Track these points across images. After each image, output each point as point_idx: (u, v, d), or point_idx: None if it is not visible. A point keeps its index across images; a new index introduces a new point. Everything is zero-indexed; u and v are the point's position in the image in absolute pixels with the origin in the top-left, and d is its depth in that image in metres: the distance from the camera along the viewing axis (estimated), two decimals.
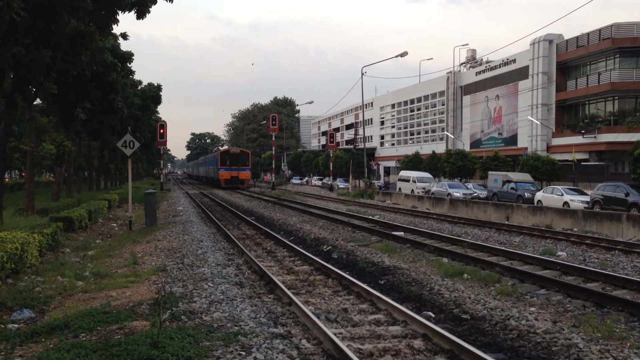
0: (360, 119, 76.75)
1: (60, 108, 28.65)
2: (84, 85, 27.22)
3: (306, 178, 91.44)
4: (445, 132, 74.13)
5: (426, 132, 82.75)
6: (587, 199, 30.36)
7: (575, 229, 23.37)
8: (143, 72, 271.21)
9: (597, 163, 48.25)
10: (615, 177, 42.15)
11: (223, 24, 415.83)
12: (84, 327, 7.73)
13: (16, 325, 8.51)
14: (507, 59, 64.72)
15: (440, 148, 68.92)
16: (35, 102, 25.74)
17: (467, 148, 65.23)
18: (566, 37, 56.84)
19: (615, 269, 13.57)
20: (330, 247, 16.49)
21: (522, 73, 61.14)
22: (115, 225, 24.38)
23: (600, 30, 51.68)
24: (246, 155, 63.50)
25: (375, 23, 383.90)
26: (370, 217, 25.88)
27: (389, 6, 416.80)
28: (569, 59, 55.91)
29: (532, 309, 9.36)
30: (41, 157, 29.00)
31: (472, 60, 78.45)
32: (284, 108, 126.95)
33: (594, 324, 8.33)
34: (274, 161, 69.55)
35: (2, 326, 8.41)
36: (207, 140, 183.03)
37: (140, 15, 18.38)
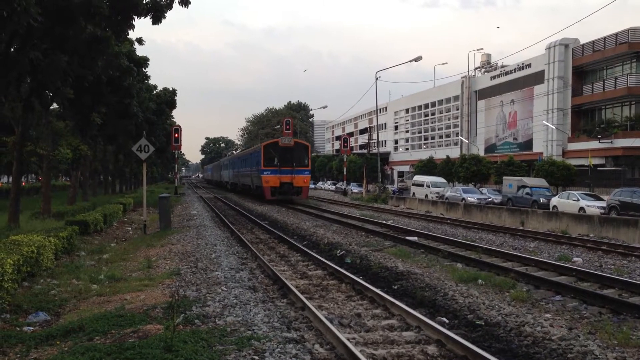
0: (374, 123, 77.20)
1: (76, 112, 28.91)
2: (99, 90, 27.45)
3: (320, 183, 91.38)
4: (460, 137, 73.86)
5: (440, 136, 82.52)
6: (603, 204, 30.05)
7: (591, 235, 23.14)
8: (158, 76, 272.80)
9: (613, 168, 47.81)
10: (631, 183, 41.73)
11: (237, 29, 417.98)
12: (98, 330, 7.77)
13: (32, 328, 8.58)
14: (523, 64, 64.40)
15: (454, 153, 68.70)
16: (51, 107, 26.00)
17: (481, 153, 64.92)
18: (582, 42, 56.45)
19: (632, 276, 13.41)
20: (343, 251, 16.46)
21: (538, 77, 60.79)
22: (130, 229, 24.52)
23: (616, 34, 51.28)
24: (304, 150, 40.59)
25: (389, 28, 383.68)
26: (384, 221, 25.80)
27: (403, 11, 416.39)
28: (585, 64, 55.50)
29: (548, 315, 9.28)
30: (57, 161, 29.34)
31: (487, 64, 78.17)
32: (298, 112, 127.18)
33: (610, 331, 8.23)
34: None
35: (18, 329, 8.48)
36: (222, 145, 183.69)
37: (156, 20, 18.50)
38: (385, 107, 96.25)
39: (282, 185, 38.42)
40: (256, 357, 6.85)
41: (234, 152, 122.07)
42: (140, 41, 27.23)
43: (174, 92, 54.46)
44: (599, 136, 50.45)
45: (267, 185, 38.29)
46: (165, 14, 18.61)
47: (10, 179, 41.61)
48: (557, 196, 34.50)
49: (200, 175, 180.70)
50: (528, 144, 62.67)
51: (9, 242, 11.75)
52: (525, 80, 63.47)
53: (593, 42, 54.22)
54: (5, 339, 7.74)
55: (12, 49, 16.84)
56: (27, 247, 11.52)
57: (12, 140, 25.78)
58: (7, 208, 20.77)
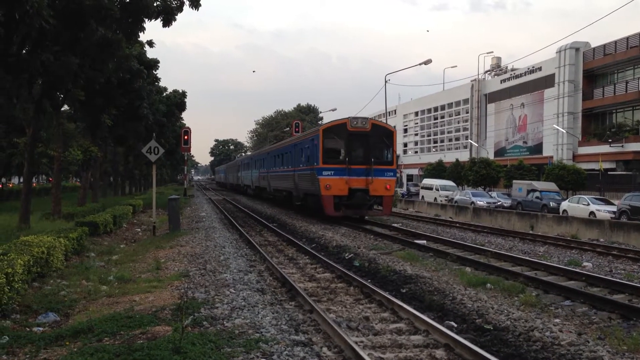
0: None
1: (87, 114, 29.11)
2: (110, 92, 27.63)
3: None
4: (469, 140, 73.66)
5: (450, 140, 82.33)
6: (614, 209, 29.88)
7: (601, 240, 23.01)
8: (168, 78, 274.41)
9: (624, 172, 47.53)
10: None
11: (246, 32, 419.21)
12: (107, 331, 7.81)
13: (41, 329, 8.63)
14: (533, 67, 64.15)
15: (464, 156, 68.51)
16: (62, 108, 26.17)
17: (491, 156, 64.72)
18: (593, 45, 56.19)
19: None
20: (352, 254, 16.45)
21: (548, 81, 60.55)
22: (140, 230, 24.62)
23: (627, 38, 51.02)
24: (387, 137, 26.11)
25: (399, 30, 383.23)
26: (393, 225, 25.76)
27: (413, 14, 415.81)
28: (596, 67, 55.24)
29: (557, 320, 9.23)
30: (68, 163, 29.56)
31: (497, 67, 77.95)
32: (307, 115, 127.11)
33: (620, 336, 8.18)
34: None
35: (28, 329, 8.53)
36: (231, 147, 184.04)
37: (167, 23, 18.64)
38: (395, 110, 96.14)
39: (353, 194, 24.56)
40: None
41: (243, 154, 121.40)
42: (150, 43, 27.45)
43: (183, 94, 54.64)
44: (610, 140, 50.17)
45: (328, 193, 24.41)
46: (176, 17, 18.75)
47: (22, 180, 41.91)
48: (567, 200, 34.34)
49: (212, 177, 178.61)
50: (538, 148, 62.40)
51: (20, 242, 11.83)
52: (536, 84, 63.22)
53: (604, 45, 53.95)
54: (15, 339, 7.79)
55: (24, 51, 16.99)
56: (38, 247, 11.59)
57: (23, 142, 26.04)
58: (18, 209, 20.91)
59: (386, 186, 25.02)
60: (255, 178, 48.04)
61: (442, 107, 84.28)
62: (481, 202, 40.32)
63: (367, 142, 25.03)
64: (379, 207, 25.95)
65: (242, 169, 60.40)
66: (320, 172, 24.54)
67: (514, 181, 45.03)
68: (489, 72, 79.04)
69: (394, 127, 32.76)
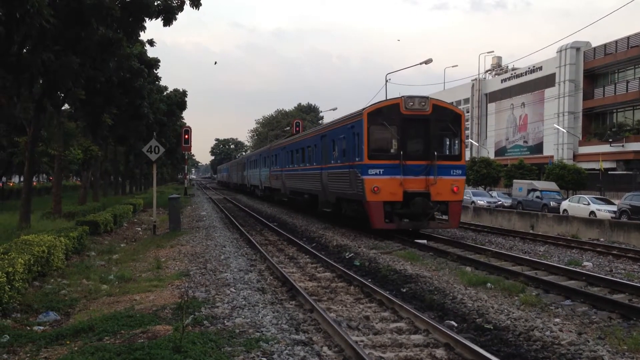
0: None
1: (87, 113, 29.13)
2: (111, 91, 27.65)
3: None
4: (470, 140, 73.64)
5: None
6: (614, 208, 29.86)
7: (601, 239, 23.00)
8: (168, 77, 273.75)
9: (624, 172, 47.55)
10: None
11: (247, 31, 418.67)
12: (108, 330, 7.82)
13: (42, 328, 8.64)
14: (534, 67, 64.16)
15: None
16: (63, 108, 26.19)
17: (491, 156, 64.72)
18: (593, 45, 56.20)
19: None
20: (352, 254, 16.46)
21: (549, 81, 60.56)
22: (140, 229, 24.63)
23: (628, 37, 51.03)
24: (453, 122, 19.77)
25: (399, 30, 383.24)
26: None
27: (413, 13, 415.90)
28: (597, 67, 55.24)
29: (557, 319, 9.23)
30: (68, 162, 29.52)
31: (498, 67, 77.96)
32: (308, 114, 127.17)
33: (620, 336, 8.18)
34: None
35: (29, 328, 8.55)
36: (231, 146, 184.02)
37: (167, 22, 18.65)
38: None
39: (409, 199, 18.76)
40: (264, 359, 6.88)
41: (244, 153, 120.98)
42: (151, 42, 27.45)
43: (184, 93, 54.65)
44: (610, 140, 50.17)
45: (377, 198, 18.62)
46: (176, 16, 18.75)
47: (22, 179, 41.95)
48: (568, 200, 34.33)
49: (213, 176, 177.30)
50: (539, 147, 62.41)
51: (20, 241, 11.85)
52: (536, 83, 63.23)
53: (605, 45, 53.95)
54: (16, 338, 7.80)
55: (24, 50, 17.00)
56: (38, 246, 11.61)
57: (24, 141, 26.03)
58: (19, 208, 20.92)
59: (453, 188, 19.22)
60: (265, 177, 42.23)
61: None
62: (481, 201, 40.28)
63: (428, 129, 19.26)
64: (442, 217, 20.78)
65: (248, 167, 54.55)
66: (365, 170, 18.74)
67: (514, 181, 45.02)
68: (489, 72, 79.05)
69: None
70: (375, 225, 18.75)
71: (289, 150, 32.24)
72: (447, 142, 20.09)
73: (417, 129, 19.35)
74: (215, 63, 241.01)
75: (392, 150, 19.38)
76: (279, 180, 35.39)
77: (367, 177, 18.68)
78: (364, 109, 19.78)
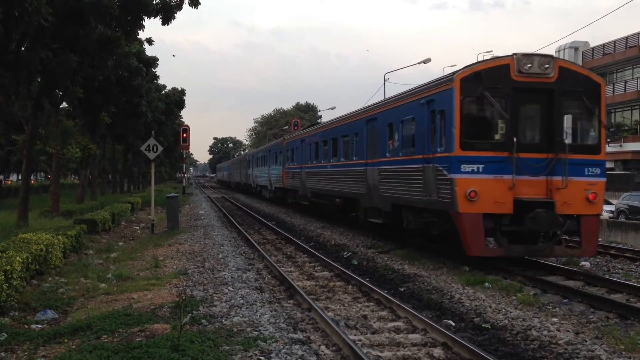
0: None
1: (86, 112, 29.08)
2: (109, 89, 27.61)
3: None
4: None
5: None
6: (612, 208, 29.88)
7: (599, 239, 23.04)
8: (166, 76, 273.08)
9: (622, 172, 47.58)
10: None
11: (245, 30, 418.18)
12: (105, 328, 7.83)
13: (39, 326, 8.65)
14: None
15: None
16: (61, 106, 26.15)
17: None
18: (592, 45, 56.25)
19: None
20: (350, 253, 16.47)
21: None
22: (138, 228, 24.62)
23: (627, 37, 51.08)
24: (591, 93, 13.24)
25: (398, 29, 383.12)
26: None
27: (411, 13, 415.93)
28: (595, 67, 55.14)
29: (554, 319, 9.25)
30: (66, 160, 29.49)
31: None
32: (306, 113, 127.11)
33: (618, 335, 8.20)
34: None
35: (26, 326, 8.55)
36: (230, 145, 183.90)
37: (166, 20, 18.63)
38: None
39: (523, 211, 12.55)
40: (262, 358, 6.89)
41: (242, 152, 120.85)
42: (149, 41, 27.43)
43: (182, 92, 54.58)
44: (608, 140, 50.17)
45: (474, 208, 12.51)
46: (175, 15, 18.74)
47: (20, 177, 41.92)
48: None
49: (212, 175, 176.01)
50: None
51: (18, 240, 11.84)
52: None
53: (603, 45, 54.00)
54: (14, 337, 7.81)
55: (22, 48, 16.97)
56: (36, 245, 11.61)
57: (21, 139, 25.97)
58: (17, 206, 20.89)
59: (588, 196, 12.92)
60: (275, 176, 36.82)
61: None
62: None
63: (551, 104, 13.08)
64: (573, 240, 14.90)
65: (254, 165, 48.48)
66: (456, 165, 12.65)
67: None
68: None
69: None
70: (471, 250, 12.46)
71: (312, 142, 26.82)
72: (580, 126, 14.11)
73: (536, 103, 13.45)
74: (174, 56, 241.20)
75: (496, 137, 13.36)
76: (296, 180, 29.71)
77: (459, 177, 12.54)
78: (454, 72, 13.18)
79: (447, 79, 13.33)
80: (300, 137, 30.14)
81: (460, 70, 13.11)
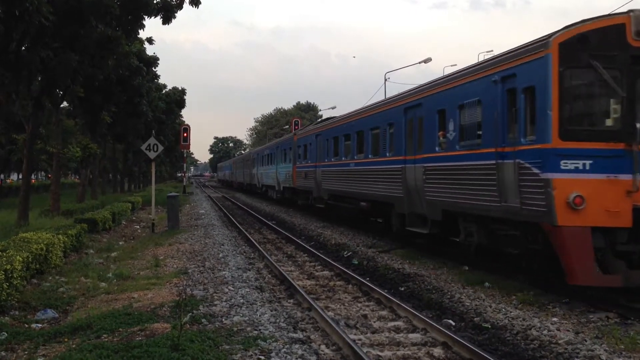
0: None
1: (86, 111, 29.12)
2: (109, 89, 27.65)
3: None
4: None
5: None
6: None
7: None
8: (167, 75, 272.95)
9: None
10: None
11: (246, 29, 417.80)
12: (106, 328, 7.83)
13: (40, 325, 8.65)
14: None
15: None
16: (62, 105, 26.17)
17: None
18: None
19: None
20: (350, 252, 16.47)
21: None
22: (138, 227, 24.63)
23: None
24: None
25: (398, 29, 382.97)
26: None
27: (412, 12, 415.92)
28: None
29: (554, 319, 9.24)
30: (67, 159, 29.50)
31: None
32: (307, 113, 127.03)
33: (618, 335, 8.19)
34: None
35: (26, 326, 8.56)
36: (230, 145, 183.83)
37: (166, 20, 18.65)
38: None
39: None
40: (262, 357, 6.89)
41: (242, 152, 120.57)
42: (150, 41, 27.45)
43: (183, 92, 54.57)
44: None
45: (578, 221, 9.20)
46: (176, 14, 18.76)
47: (21, 177, 41.94)
48: None
49: (213, 175, 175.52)
50: None
51: (19, 239, 11.85)
52: None
53: None
54: (14, 336, 7.81)
55: (23, 48, 16.99)
56: (36, 244, 11.61)
57: (22, 138, 26.00)
58: (17, 205, 20.91)
59: None
60: (284, 176, 33.63)
61: None
62: None
63: None
64: None
65: (259, 164, 45.06)
66: (554, 160, 9.51)
67: None
68: None
69: None
70: (577, 277, 9.37)
71: (331, 136, 23.28)
72: None
73: None
74: (154, 54, 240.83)
75: (609, 122, 10.23)
76: (310, 180, 26.45)
77: (558, 176, 9.42)
78: (549, 35, 9.80)
79: (538, 45, 9.96)
80: (315, 131, 26.64)
81: (557, 32, 9.70)
